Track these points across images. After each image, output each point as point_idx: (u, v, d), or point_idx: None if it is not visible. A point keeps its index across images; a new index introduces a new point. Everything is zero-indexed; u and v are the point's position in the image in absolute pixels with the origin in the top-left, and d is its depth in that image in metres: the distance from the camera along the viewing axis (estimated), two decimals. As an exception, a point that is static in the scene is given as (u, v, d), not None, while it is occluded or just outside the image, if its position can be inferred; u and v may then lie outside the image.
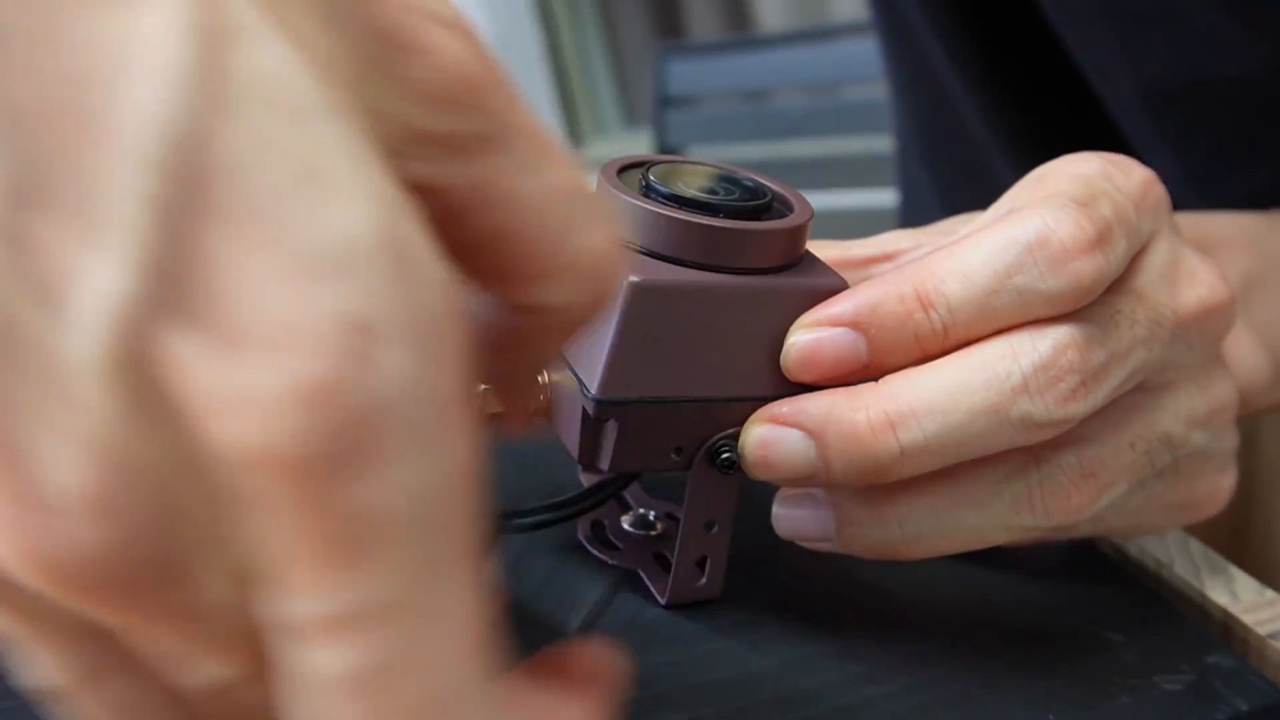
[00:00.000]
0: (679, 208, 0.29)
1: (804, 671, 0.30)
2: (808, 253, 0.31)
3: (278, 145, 0.14)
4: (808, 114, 1.67)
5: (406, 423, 0.14)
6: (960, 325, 0.28)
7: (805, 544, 0.31)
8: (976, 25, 0.52)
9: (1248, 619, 0.32)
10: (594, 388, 0.28)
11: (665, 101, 1.70)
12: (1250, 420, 0.60)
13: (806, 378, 0.29)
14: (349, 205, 0.14)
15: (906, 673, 0.30)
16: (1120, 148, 0.34)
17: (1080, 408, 0.28)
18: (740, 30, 2.07)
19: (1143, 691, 0.29)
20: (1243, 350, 0.40)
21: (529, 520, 0.33)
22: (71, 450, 0.14)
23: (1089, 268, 0.27)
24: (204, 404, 0.14)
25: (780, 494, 0.31)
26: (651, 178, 0.30)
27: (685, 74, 1.69)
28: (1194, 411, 0.31)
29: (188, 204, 0.13)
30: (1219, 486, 0.33)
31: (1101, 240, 0.28)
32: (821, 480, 0.28)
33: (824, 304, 0.29)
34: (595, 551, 0.34)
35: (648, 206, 0.29)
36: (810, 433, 0.28)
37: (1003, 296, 0.28)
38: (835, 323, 0.28)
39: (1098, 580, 0.35)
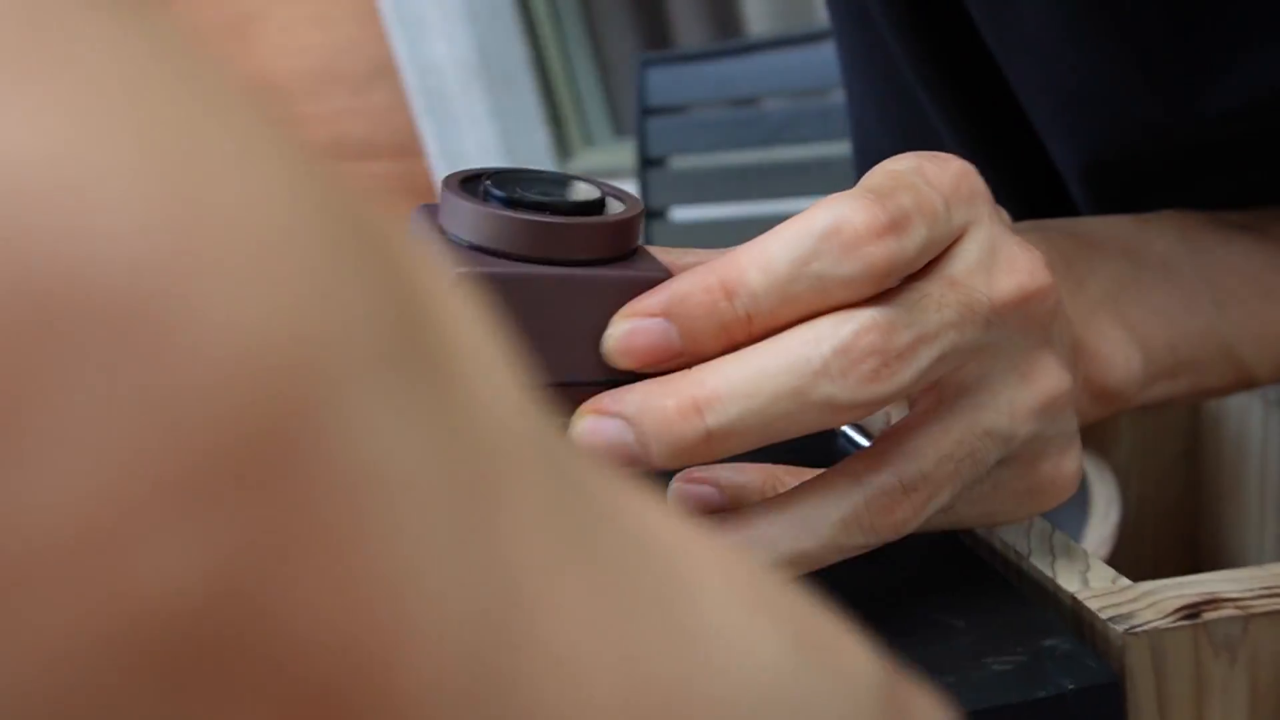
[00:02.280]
0: (510, 208, 0.30)
1: None
2: (641, 247, 0.32)
3: None
4: (795, 119, 1.67)
5: None
6: (764, 313, 0.29)
7: None
8: (940, 50, 0.53)
9: (1094, 604, 0.33)
10: None
11: (647, 112, 1.71)
12: (1188, 433, 0.61)
13: (626, 365, 0.30)
14: None
15: None
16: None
17: (884, 389, 0.28)
18: (728, 37, 2.09)
19: (971, 672, 0.30)
20: (1113, 347, 0.41)
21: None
22: None
23: (881, 252, 0.28)
24: None
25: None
26: (488, 183, 0.31)
27: (667, 83, 1.70)
28: (1019, 403, 0.32)
29: None
30: (1062, 470, 0.34)
31: (895, 227, 0.29)
32: (644, 464, 0.29)
33: (642, 295, 0.30)
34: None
35: (480, 206, 0.30)
36: (628, 420, 0.29)
37: (801, 283, 0.28)
38: (649, 313, 0.29)
39: (956, 571, 0.36)
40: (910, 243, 0.29)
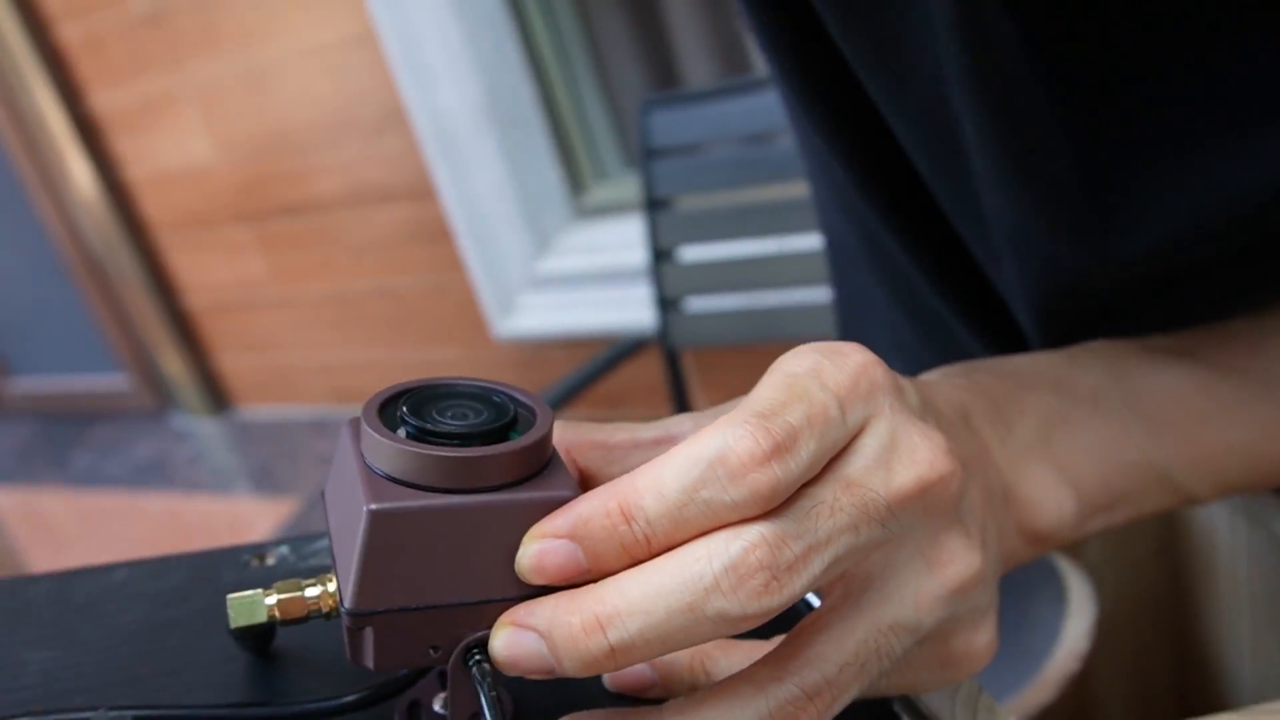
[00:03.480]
0: (422, 442, 0.32)
1: None
2: (554, 457, 0.34)
3: None
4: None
5: None
6: (660, 534, 0.31)
7: None
8: (894, 199, 0.53)
9: (1003, 783, 0.34)
10: (347, 601, 0.31)
11: (652, 153, 1.72)
12: (1158, 530, 0.61)
13: (538, 582, 0.32)
14: None
15: None
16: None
17: (775, 600, 0.30)
18: (737, 72, 2.10)
19: None
20: (1042, 490, 0.41)
21: (347, 702, 0.36)
22: None
23: (765, 479, 0.30)
24: None
25: None
26: (404, 410, 0.33)
27: (671, 124, 1.71)
28: (925, 592, 0.33)
29: None
30: (974, 645, 0.35)
31: (779, 450, 0.30)
32: (559, 674, 0.31)
33: (548, 517, 0.32)
34: (404, 732, 0.37)
35: (394, 444, 0.31)
36: (541, 635, 0.31)
37: (692, 508, 0.30)
38: (556, 534, 0.31)
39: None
40: (795, 463, 0.31)
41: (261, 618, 0.35)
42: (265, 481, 2.83)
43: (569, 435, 0.37)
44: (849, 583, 0.34)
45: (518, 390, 0.35)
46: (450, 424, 0.32)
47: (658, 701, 0.34)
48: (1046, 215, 0.44)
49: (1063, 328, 0.49)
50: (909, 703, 0.39)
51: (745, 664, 0.34)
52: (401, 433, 0.32)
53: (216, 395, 3.15)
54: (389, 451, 0.32)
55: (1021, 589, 0.64)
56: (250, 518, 2.69)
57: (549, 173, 2.25)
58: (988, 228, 0.47)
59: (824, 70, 0.48)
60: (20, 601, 0.43)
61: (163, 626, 0.42)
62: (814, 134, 0.52)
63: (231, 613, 0.35)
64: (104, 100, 2.77)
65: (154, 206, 2.88)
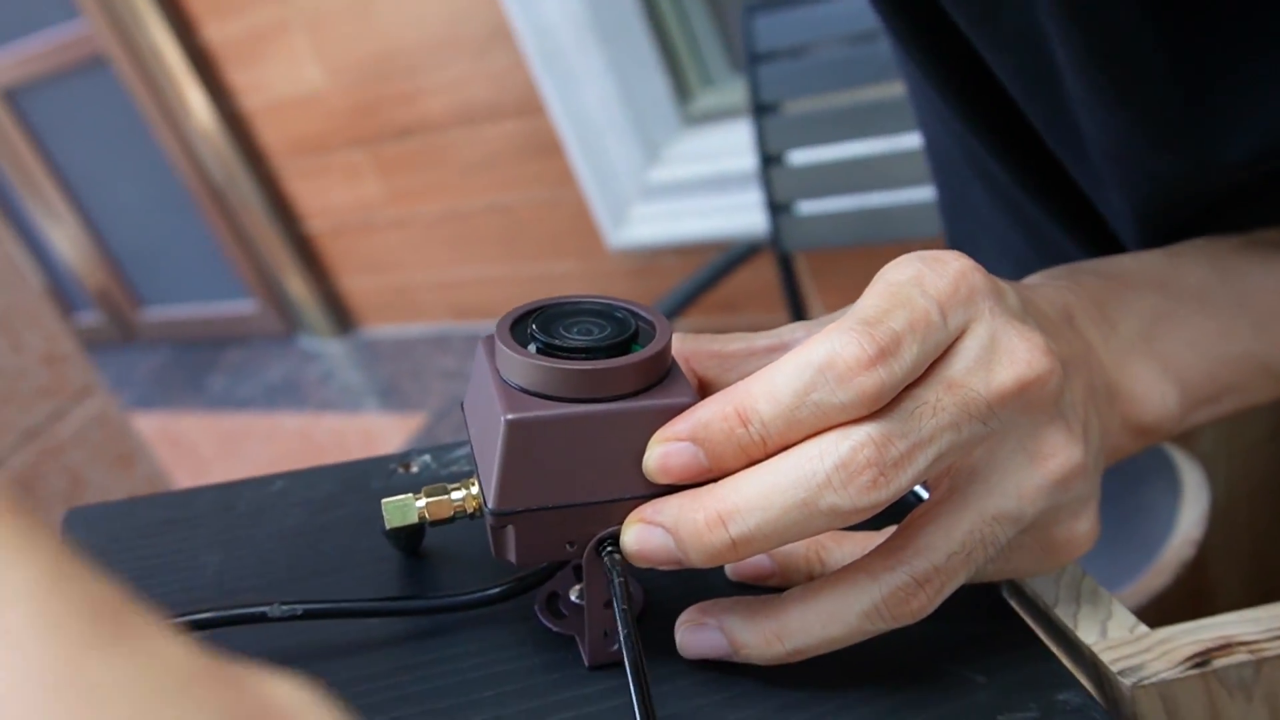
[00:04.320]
0: (551, 355, 0.35)
1: (732, 707, 0.36)
2: (674, 367, 0.36)
3: None
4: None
5: None
6: (774, 436, 0.33)
7: None
8: (990, 119, 0.54)
9: (1107, 656, 0.36)
10: (490, 502, 0.34)
11: (757, 58, 1.71)
12: (1272, 415, 0.62)
13: (664, 482, 0.34)
14: None
15: (805, 706, 0.36)
16: None
17: (882, 495, 0.32)
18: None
19: (981, 735, 0.33)
20: (1146, 385, 0.43)
21: (493, 594, 0.40)
22: None
23: (871, 382, 0.32)
24: None
25: (680, 623, 0.37)
26: (534, 328, 0.35)
27: (776, 27, 1.70)
28: (1028, 485, 0.35)
29: None
30: (1075, 532, 0.37)
31: (883, 355, 0.32)
32: (685, 565, 0.34)
33: (671, 422, 0.34)
34: (544, 620, 0.40)
35: (526, 359, 0.34)
36: (668, 530, 0.34)
37: (804, 411, 0.33)
38: (678, 438, 0.34)
39: (987, 622, 0.39)
40: (899, 366, 0.32)
41: (413, 519, 0.38)
42: (392, 398, 2.91)
43: (687, 346, 0.40)
44: (955, 477, 0.36)
45: (638, 305, 0.37)
46: (576, 339, 0.35)
47: (777, 590, 0.37)
48: (1146, 128, 0.44)
49: (1166, 239, 0.49)
50: (1016, 588, 0.41)
51: (859, 554, 0.37)
52: (532, 348, 0.35)
53: (341, 316, 3.24)
54: (521, 366, 0.34)
55: (1136, 479, 0.65)
56: (380, 433, 2.78)
57: (655, 81, 2.25)
58: (1086, 148, 0.48)
59: (917, 4, 0.49)
60: (192, 511, 0.47)
61: (320, 530, 0.45)
62: (907, 61, 0.53)
63: (386, 515, 0.38)
64: (216, 32, 2.83)
65: (271, 135, 2.95)
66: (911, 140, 1.54)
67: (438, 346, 2.99)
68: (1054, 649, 0.38)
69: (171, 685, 0.16)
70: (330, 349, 3.29)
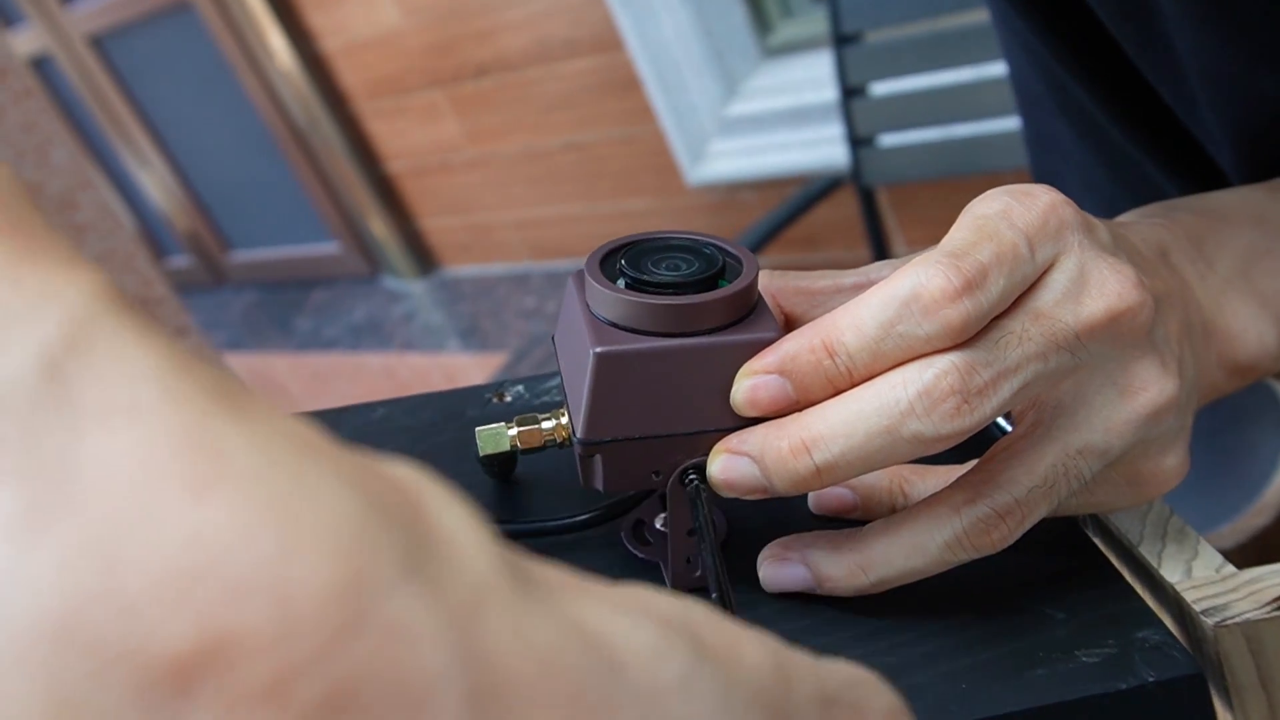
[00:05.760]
0: (640, 290, 0.35)
1: (813, 634, 0.37)
2: (760, 302, 0.37)
3: None
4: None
5: None
6: (860, 366, 0.34)
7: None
8: (1084, 50, 0.54)
9: (1191, 595, 0.36)
10: (579, 432, 0.35)
11: (836, -13, 1.69)
12: None
13: (752, 414, 0.35)
14: None
15: (883, 635, 0.37)
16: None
17: (965, 422, 0.33)
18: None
19: (1060, 664, 0.34)
20: (1243, 323, 0.42)
21: (581, 520, 0.41)
22: None
23: (956, 313, 0.32)
24: None
25: (763, 558, 0.38)
26: (623, 263, 0.36)
27: (856, -44, 1.67)
28: (1116, 419, 0.35)
29: None
30: (1163, 467, 0.37)
31: (969, 286, 0.32)
32: (771, 493, 0.35)
33: (758, 355, 0.35)
34: (629, 546, 0.41)
35: (615, 293, 0.35)
36: (754, 459, 0.35)
37: (889, 342, 0.33)
38: (766, 371, 0.35)
39: (1068, 558, 0.39)
40: (985, 297, 0.33)
41: (505, 447, 0.39)
42: (474, 337, 2.95)
43: (774, 282, 0.40)
44: (1040, 410, 0.36)
45: (726, 241, 0.38)
46: (665, 274, 0.36)
47: (858, 523, 0.38)
48: (1242, 46, 0.44)
49: (1265, 161, 0.48)
50: (1100, 524, 0.41)
51: (940, 487, 0.37)
52: (621, 283, 0.36)
53: (422, 257, 3.27)
54: (610, 300, 0.35)
55: (1239, 417, 0.64)
56: (463, 372, 2.82)
57: (734, 13, 2.23)
58: (1180, 70, 0.47)
59: None
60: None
61: (419, 456, 0.46)
62: None
63: (480, 442, 0.40)
64: (296, -26, 2.85)
65: (350, 76, 2.97)
66: (997, 69, 1.51)
67: (517, 286, 3.02)
68: (1136, 587, 0.38)
69: (294, 447, 0.17)
70: (413, 289, 3.33)
